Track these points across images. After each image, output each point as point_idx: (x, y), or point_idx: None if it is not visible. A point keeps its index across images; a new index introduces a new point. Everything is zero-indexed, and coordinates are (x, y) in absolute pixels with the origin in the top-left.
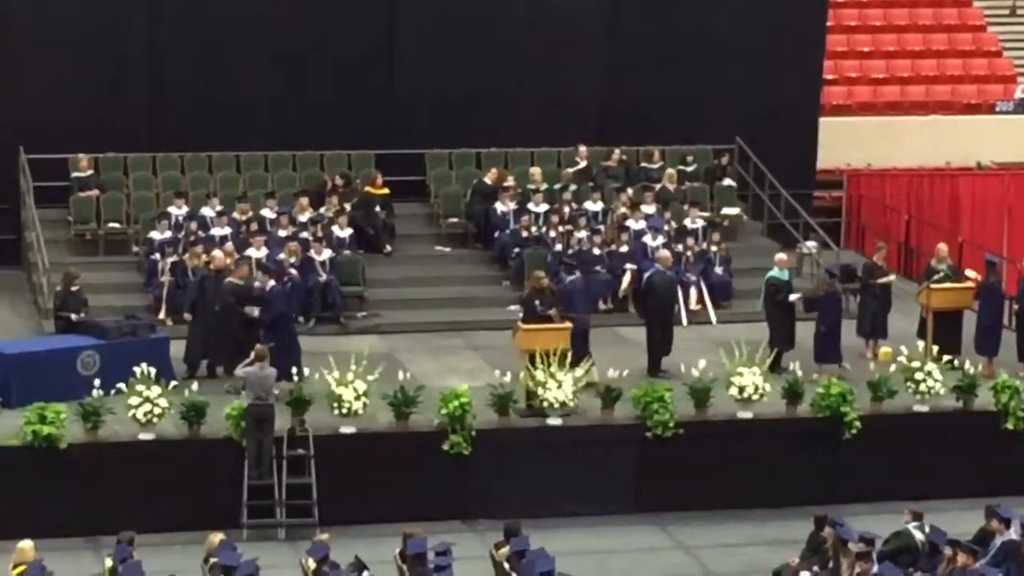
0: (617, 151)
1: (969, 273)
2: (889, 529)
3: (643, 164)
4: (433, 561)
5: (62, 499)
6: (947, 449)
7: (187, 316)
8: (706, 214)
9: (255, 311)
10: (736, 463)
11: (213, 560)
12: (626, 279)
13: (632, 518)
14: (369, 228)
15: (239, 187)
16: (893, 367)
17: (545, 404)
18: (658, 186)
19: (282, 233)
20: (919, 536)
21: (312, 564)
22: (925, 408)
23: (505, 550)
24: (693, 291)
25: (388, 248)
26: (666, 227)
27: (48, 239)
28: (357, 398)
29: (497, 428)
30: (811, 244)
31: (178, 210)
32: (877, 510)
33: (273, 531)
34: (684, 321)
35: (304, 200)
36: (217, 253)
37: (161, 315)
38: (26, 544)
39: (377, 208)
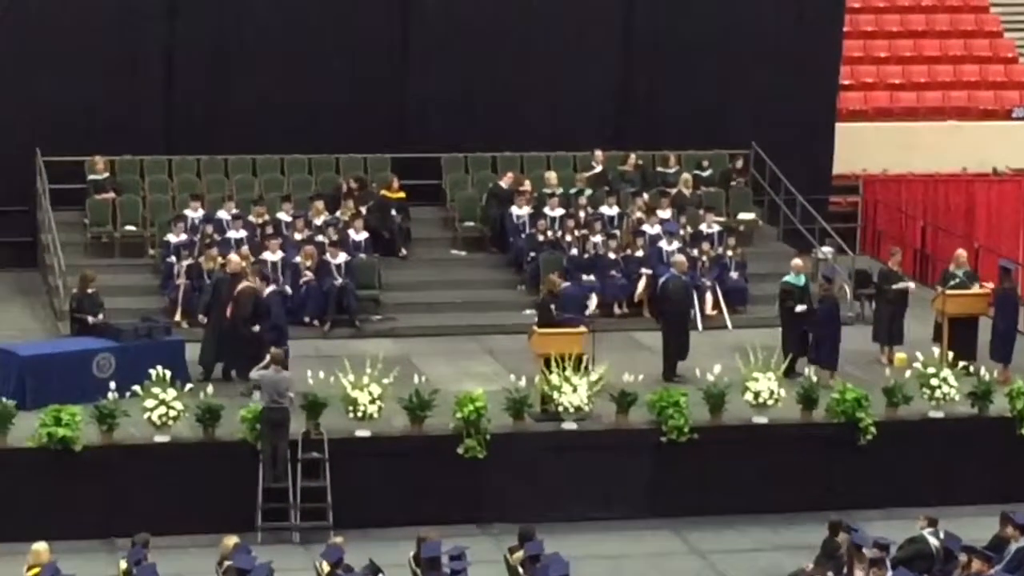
0: (633, 156)
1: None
2: (904, 535)
3: (659, 169)
4: (447, 565)
5: (77, 501)
6: (962, 455)
7: (202, 319)
8: (722, 219)
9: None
10: (751, 468)
11: (228, 563)
12: (641, 284)
13: (646, 523)
14: (385, 232)
15: (255, 190)
16: (908, 373)
17: (560, 408)
18: (674, 191)
19: (298, 236)
20: (934, 542)
21: (326, 567)
22: (940, 414)
23: (519, 554)
24: (708, 296)
25: (404, 252)
26: (682, 232)
27: (64, 241)
28: (372, 401)
29: (512, 432)
30: (827, 249)
31: (194, 213)
32: (892, 516)
33: (287, 534)
34: (699, 326)
35: (320, 203)
36: (233, 257)
37: (176, 317)
38: (41, 546)
39: (393, 212)
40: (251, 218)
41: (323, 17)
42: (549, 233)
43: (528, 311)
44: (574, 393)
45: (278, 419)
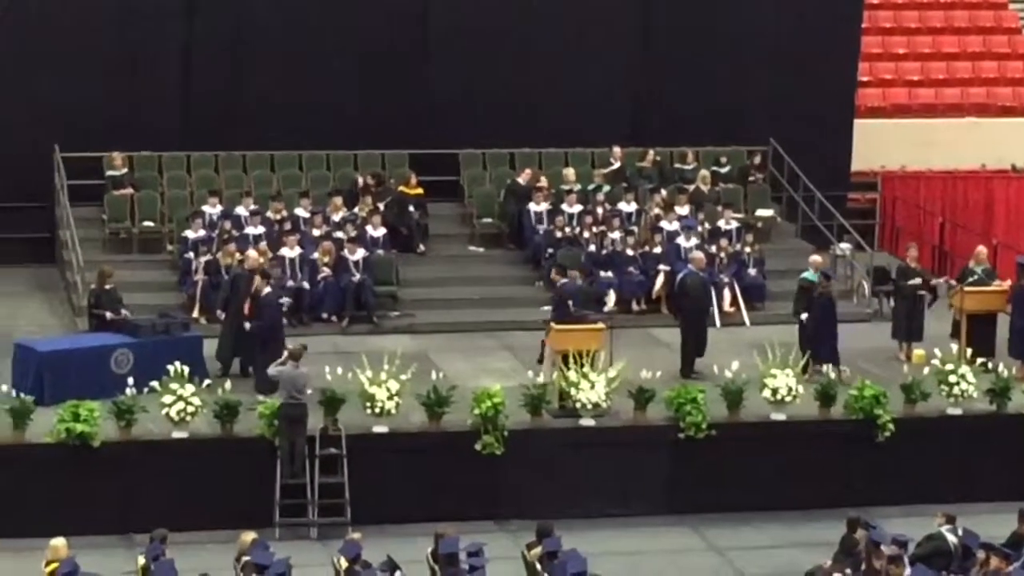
0: (651, 152)
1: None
2: (922, 532)
3: (677, 165)
4: (466, 561)
5: (95, 497)
6: (980, 452)
7: (220, 315)
8: (740, 215)
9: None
10: (769, 465)
11: (245, 559)
12: (659, 280)
13: (664, 519)
14: (403, 228)
15: (273, 186)
16: (926, 370)
17: (578, 405)
18: (692, 187)
19: (316, 232)
20: (952, 539)
21: (344, 563)
22: (958, 411)
23: (537, 550)
24: (727, 292)
25: (422, 248)
26: (700, 228)
27: (82, 237)
28: (390, 397)
29: (530, 428)
30: (845, 246)
31: (212, 209)
32: (910, 513)
33: (305, 530)
34: (717, 322)
35: (338, 199)
36: (251, 253)
37: (194, 313)
38: (59, 542)
39: (411, 208)
40: (269, 214)
41: (342, 14)
42: (567, 229)
43: (546, 307)
44: (592, 389)
45: (296, 415)
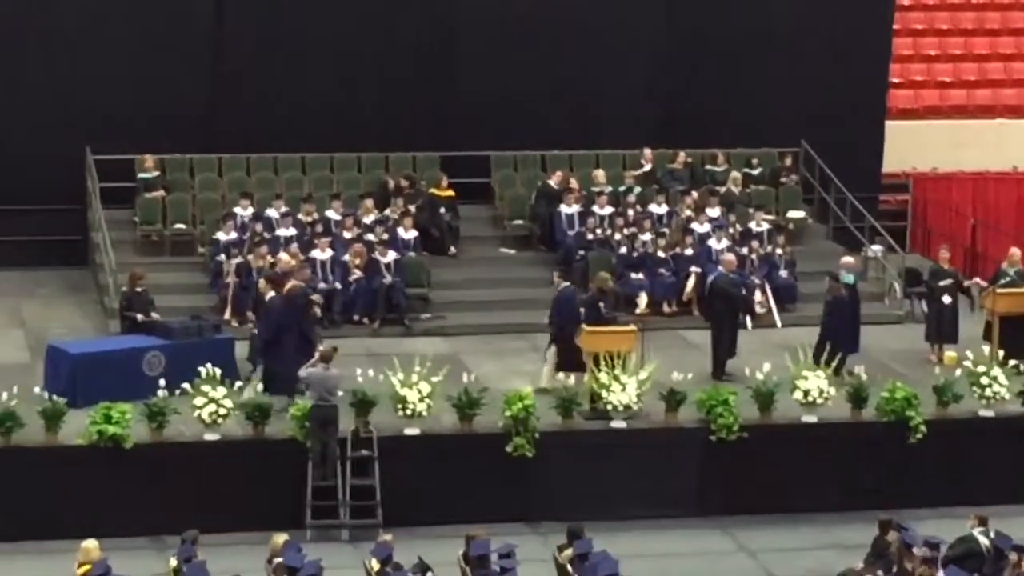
0: (682, 154)
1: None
2: (954, 534)
3: (708, 167)
4: (497, 563)
5: (127, 499)
6: (1013, 454)
7: (251, 316)
8: (771, 217)
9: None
10: (800, 467)
11: (277, 561)
12: (690, 282)
13: (695, 521)
14: (434, 230)
15: (304, 188)
16: (958, 372)
17: (609, 407)
18: (723, 189)
19: (347, 235)
20: (984, 541)
21: (376, 565)
22: (990, 413)
23: (568, 552)
24: (758, 294)
25: (453, 250)
26: (731, 230)
27: (114, 240)
28: (421, 400)
29: (561, 430)
30: (876, 248)
31: (243, 211)
32: (942, 515)
33: (337, 532)
34: (748, 324)
35: (369, 202)
36: (283, 256)
37: (226, 316)
38: (91, 543)
39: (442, 210)
40: (300, 216)
41: (372, 15)
42: (598, 231)
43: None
44: (623, 391)
45: (327, 417)
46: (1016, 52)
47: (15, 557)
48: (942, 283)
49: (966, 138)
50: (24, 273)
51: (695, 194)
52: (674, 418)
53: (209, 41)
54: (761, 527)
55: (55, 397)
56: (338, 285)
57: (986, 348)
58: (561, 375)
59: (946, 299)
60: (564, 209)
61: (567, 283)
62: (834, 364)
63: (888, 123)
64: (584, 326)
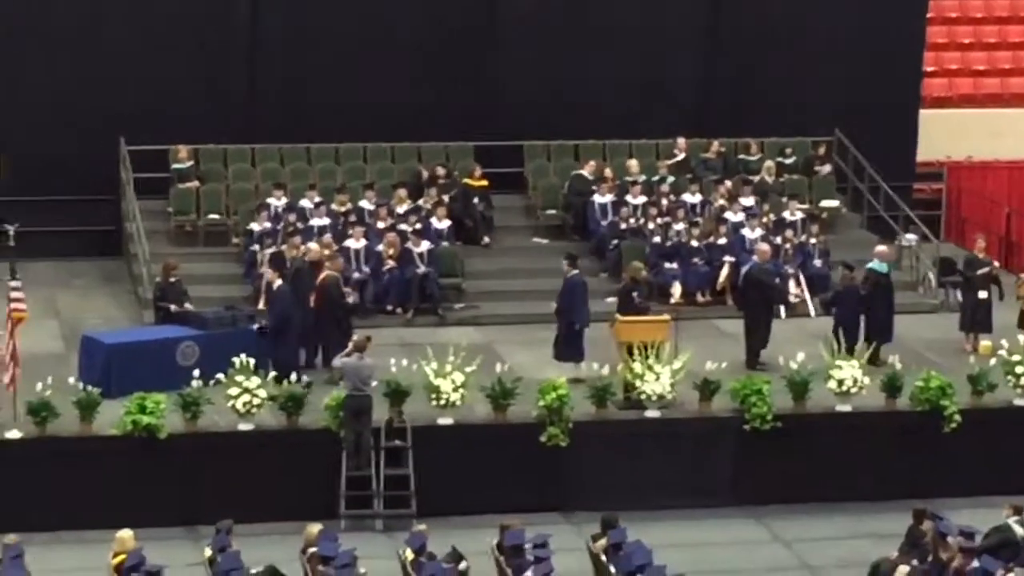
0: (716, 143)
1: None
2: (989, 523)
3: (742, 156)
4: (531, 553)
5: (161, 489)
6: None
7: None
8: (805, 206)
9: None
10: (834, 456)
11: (311, 550)
12: (724, 272)
13: (729, 511)
14: (467, 220)
15: (338, 178)
16: (993, 361)
17: (643, 396)
18: (756, 178)
19: (380, 224)
20: (1019, 530)
21: (410, 554)
22: None
23: (602, 542)
24: (792, 283)
25: (486, 240)
26: (764, 219)
27: (148, 230)
28: (455, 389)
29: (595, 420)
30: (911, 237)
31: (277, 201)
32: (977, 504)
33: (371, 522)
34: (782, 313)
35: (402, 192)
36: (312, 245)
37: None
38: (126, 533)
39: (475, 200)
40: (334, 206)
41: (407, 5)
42: (631, 221)
43: (610, 299)
44: (657, 381)
45: (361, 407)
46: None
47: (50, 547)
48: (979, 272)
49: (1001, 127)
50: (59, 263)
51: (729, 183)
52: (708, 407)
53: (244, 32)
54: (795, 516)
55: (90, 387)
56: (367, 270)
57: (1021, 337)
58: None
59: (982, 294)
60: (597, 199)
61: (575, 271)
62: (868, 353)
63: (922, 112)
64: (618, 316)
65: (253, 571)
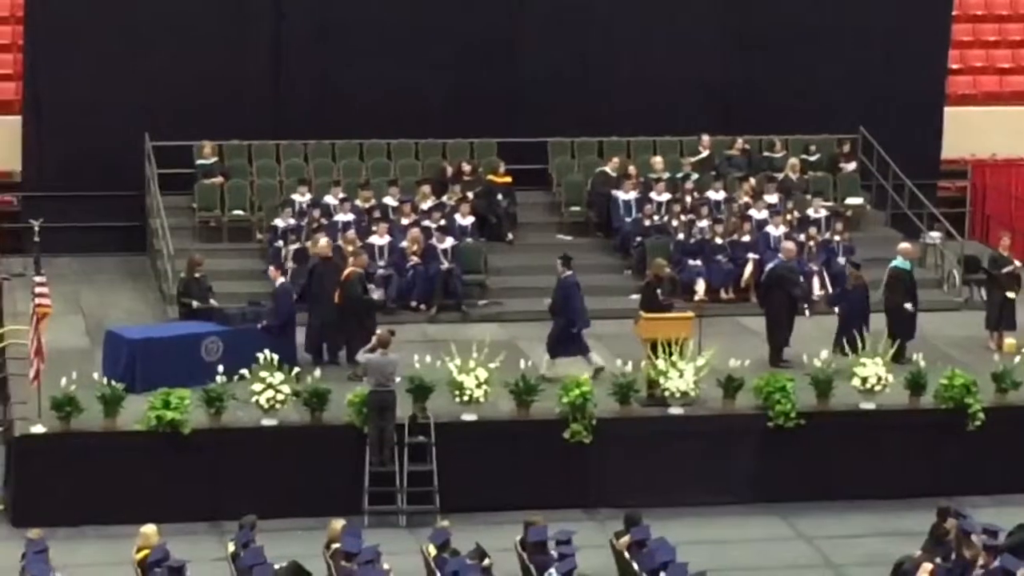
0: (740, 140)
1: None
2: (1013, 521)
3: (766, 153)
4: (554, 549)
5: (185, 484)
6: None
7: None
8: (829, 204)
9: (374, 295)
10: (858, 454)
11: (335, 546)
12: (748, 269)
13: (753, 508)
14: (491, 216)
15: (362, 175)
16: (1017, 358)
17: (666, 393)
18: (781, 175)
19: (404, 221)
20: None
21: (433, 551)
22: None
23: (626, 539)
24: (816, 281)
25: (510, 236)
26: (788, 217)
27: (172, 226)
28: (478, 386)
29: (618, 417)
30: (935, 234)
31: (301, 197)
32: (1001, 502)
33: (394, 518)
34: (806, 311)
35: (426, 188)
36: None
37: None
38: (150, 528)
39: (499, 196)
40: (358, 202)
41: (432, 2)
42: (655, 218)
43: (634, 296)
44: (680, 378)
45: (385, 402)
46: None
47: (74, 542)
48: (1003, 270)
49: None
50: (83, 259)
51: (753, 180)
52: (731, 405)
53: (268, 28)
54: (819, 514)
55: (114, 383)
56: (388, 268)
57: None
58: (555, 361)
59: (1010, 293)
60: (621, 195)
61: (570, 271)
62: (892, 351)
63: (947, 109)
64: (642, 313)
65: (276, 566)
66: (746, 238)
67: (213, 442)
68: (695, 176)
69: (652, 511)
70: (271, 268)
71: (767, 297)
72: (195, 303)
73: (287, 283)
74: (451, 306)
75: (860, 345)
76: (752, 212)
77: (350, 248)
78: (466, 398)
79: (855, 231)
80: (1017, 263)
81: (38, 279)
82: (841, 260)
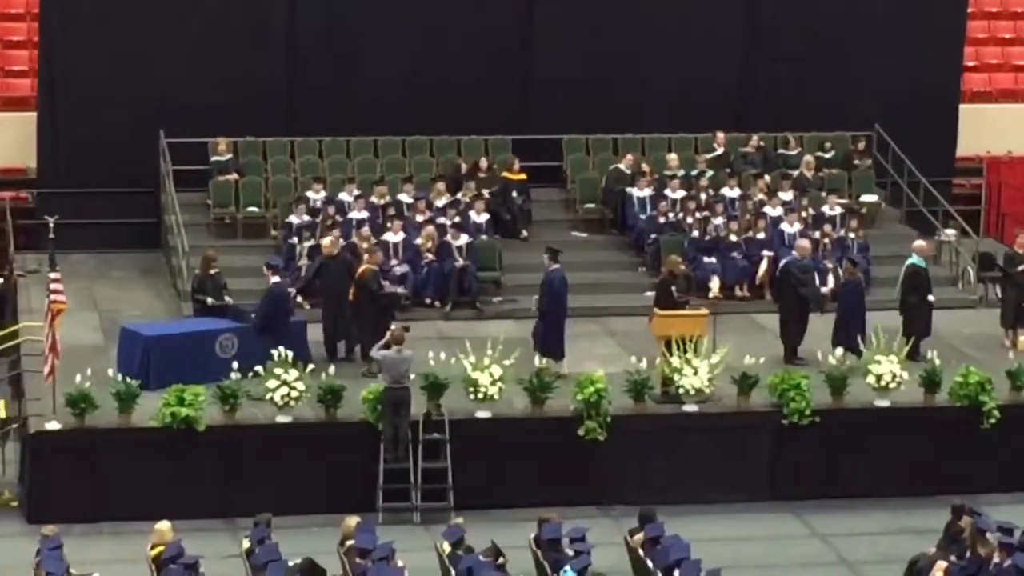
0: (755, 137)
1: None
2: None
3: (781, 151)
4: (569, 547)
5: (200, 481)
6: None
7: (297, 298)
8: (844, 201)
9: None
10: (873, 451)
11: (349, 543)
12: (763, 266)
13: (767, 505)
14: (506, 213)
15: (376, 171)
16: None
17: (681, 390)
18: (796, 173)
19: (419, 218)
20: None
21: (447, 547)
22: None
23: (640, 536)
24: (830, 278)
25: (525, 233)
26: (803, 214)
27: (187, 222)
28: (493, 383)
29: (632, 414)
30: (950, 232)
31: (316, 194)
32: (1016, 500)
33: (408, 515)
34: (820, 310)
35: (441, 185)
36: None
37: (298, 299)
38: (164, 525)
39: (514, 193)
40: (373, 199)
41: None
42: (670, 215)
43: (649, 293)
44: (695, 375)
45: (400, 399)
46: None
47: (89, 538)
48: (1020, 268)
49: None
50: (98, 255)
51: (768, 178)
52: (746, 402)
53: (282, 24)
54: (833, 512)
55: (128, 379)
56: (403, 265)
57: None
58: (545, 361)
59: None
60: (636, 193)
61: (557, 266)
62: (907, 348)
63: (962, 106)
64: (656, 310)
65: (291, 563)
66: (761, 235)
67: (227, 439)
68: (710, 173)
69: (666, 508)
70: (264, 267)
71: (780, 295)
72: (210, 300)
73: (281, 283)
74: (466, 303)
75: (861, 343)
76: (767, 209)
77: (365, 245)
78: (481, 395)
79: (870, 228)
80: None
81: (53, 275)
82: (857, 257)
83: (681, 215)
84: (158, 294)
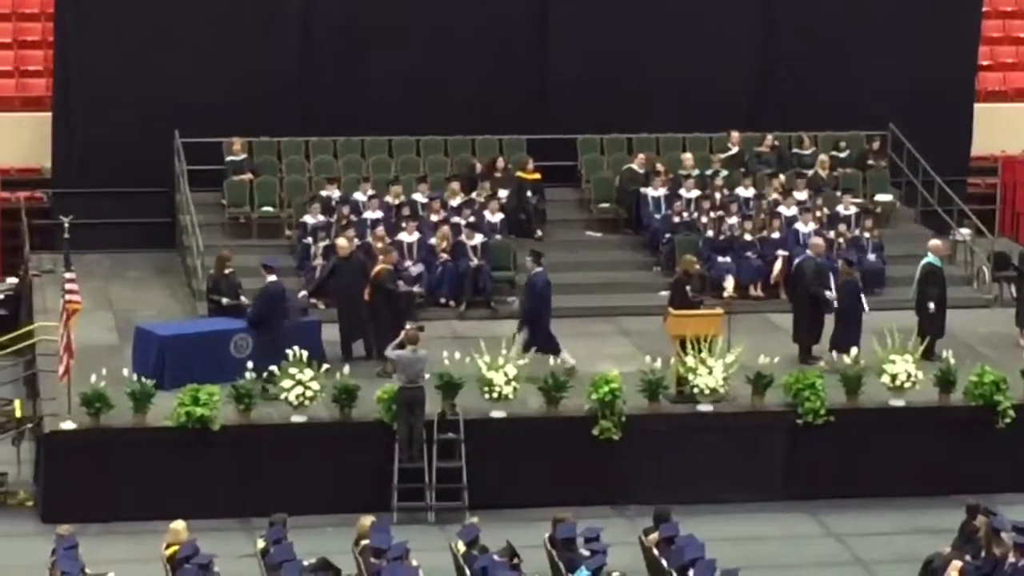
0: (769, 137)
1: None
2: None
3: (795, 150)
4: (583, 546)
5: (215, 480)
6: None
7: (303, 297)
8: (859, 200)
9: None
10: (887, 451)
11: (364, 542)
12: (777, 266)
13: (782, 505)
14: (520, 213)
15: (391, 171)
16: None
17: (695, 390)
18: (810, 172)
19: (434, 218)
20: None
21: (462, 547)
22: None
23: (655, 536)
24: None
25: (539, 233)
26: (818, 213)
27: (202, 222)
28: (508, 382)
29: (647, 414)
30: (965, 231)
31: (330, 194)
32: None
33: (423, 514)
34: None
35: (456, 185)
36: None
37: (311, 299)
38: (179, 524)
39: (528, 193)
40: (387, 199)
41: None
42: (685, 214)
43: (663, 292)
44: (710, 375)
45: (414, 399)
46: None
47: (104, 538)
48: None
49: None
50: (112, 255)
51: (782, 177)
52: (761, 402)
53: (297, 24)
54: (848, 511)
55: (143, 379)
56: (419, 265)
57: None
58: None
59: None
60: (651, 192)
61: (540, 268)
62: (922, 348)
63: (977, 106)
64: (670, 309)
65: (305, 563)
66: (775, 235)
67: (242, 439)
68: (724, 173)
69: (681, 508)
70: (261, 267)
71: (795, 294)
72: (224, 300)
73: (277, 282)
74: (480, 303)
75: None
76: (781, 209)
77: (379, 245)
78: (495, 395)
79: (885, 228)
80: None
81: (68, 275)
82: (872, 257)
83: (696, 215)
84: (173, 294)
